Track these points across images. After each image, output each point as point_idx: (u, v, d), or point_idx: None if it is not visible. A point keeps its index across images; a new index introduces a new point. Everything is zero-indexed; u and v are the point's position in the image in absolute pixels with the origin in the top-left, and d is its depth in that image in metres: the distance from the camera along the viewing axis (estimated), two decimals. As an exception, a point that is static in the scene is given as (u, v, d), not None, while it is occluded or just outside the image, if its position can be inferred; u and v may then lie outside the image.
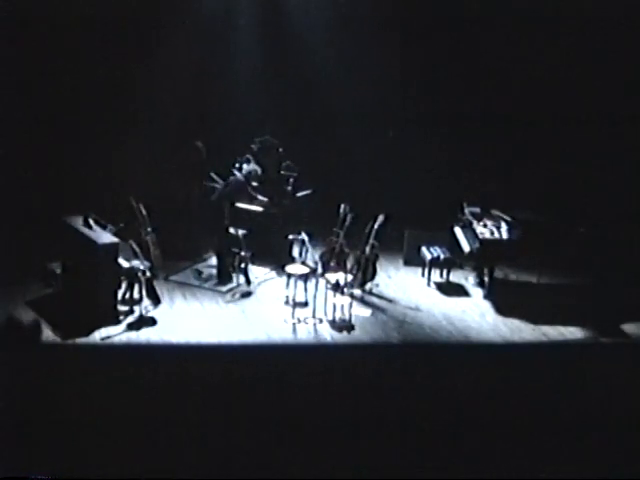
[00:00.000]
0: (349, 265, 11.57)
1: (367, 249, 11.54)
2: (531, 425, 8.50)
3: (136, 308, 10.65)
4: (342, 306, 10.71)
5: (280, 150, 12.68)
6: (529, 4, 12.96)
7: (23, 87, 12.57)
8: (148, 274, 10.76)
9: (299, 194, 12.59)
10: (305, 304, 11.04)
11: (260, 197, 12.28)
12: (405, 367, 9.59)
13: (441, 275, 12.22)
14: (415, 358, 9.93)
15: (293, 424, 8.31)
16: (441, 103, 13.57)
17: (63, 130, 12.87)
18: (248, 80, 13.54)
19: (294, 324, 10.61)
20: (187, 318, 10.64)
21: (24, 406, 8.36)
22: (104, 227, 10.78)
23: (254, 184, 12.31)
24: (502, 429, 8.35)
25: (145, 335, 10.14)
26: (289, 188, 12.51)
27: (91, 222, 10.68)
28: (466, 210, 12.15)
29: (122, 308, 10.63)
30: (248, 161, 12.42)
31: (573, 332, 10.76)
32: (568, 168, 13.09)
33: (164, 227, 11.92)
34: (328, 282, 11.32)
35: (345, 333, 10.49)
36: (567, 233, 11.50)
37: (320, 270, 11.51)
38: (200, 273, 11.94)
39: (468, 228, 11.90)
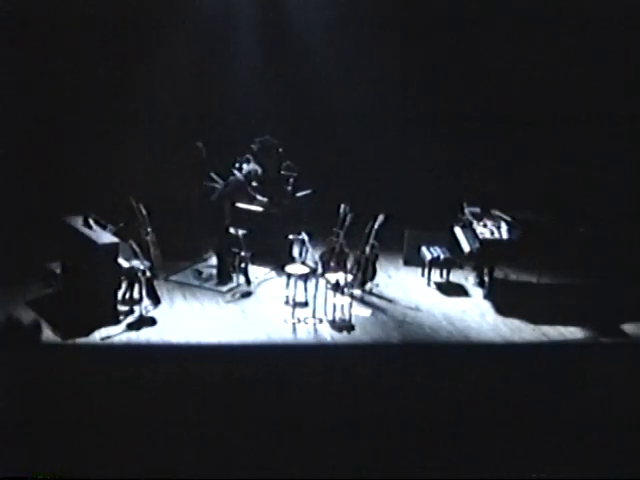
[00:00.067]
0: (349, 265, 11.57)
1: (367, 249, 11.54)
2: (531, 425, 8.50)
3: (136, 308, 10.64)
4: (342, 306, 10.71)
5: (280, 150, 12.68)
6: (529, 4, 12.97)
7: (23, 87, 12.57)
8: (148, 274, 10.76)
9: (299, 194, 12.59)
10: (305, 304, 11.04)
11: (260, 197, 12.28)
12: (405, 367, 9.59)
13: (441, 275, 12.22)
14: (415, 358, 9.93)
15: (293, 424, 8.31)
16: (441, 103, 13.57)
17: (63, 130, 12.88)
18: (248, 80, 13.54)
19: (294, 324, 10.61)
20: (187, 318, 10.64)
21: (24, 406, 8.36)
22: (104, 227, 10.78)
23: (254, 184, 12.31)
24: (502, 429, 8.35)
25: (145, 335, 10.14)
26: (289, 188, 12.51)
27: (91, 222, 10.67)
28: (466, 210, 12.15)
29: (122, 308, 10.63)
30: (248, 161, 12.42)
31: (573, 332, 10.76)
32: (568, 168, 13.09)
33: (164, 227, 11.92)
34: (328, 282, 11.32)
35: (345, 333, 10.49)
36: (567, 233, 11.49)
37: (320, 270, 11.51)
38: (200, 273, 11.94)
39: (468, 228, 11.90)
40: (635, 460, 7.97)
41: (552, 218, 11.63)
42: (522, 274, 12.26)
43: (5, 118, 12.04)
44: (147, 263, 10.92)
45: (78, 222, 10.71)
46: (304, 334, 10.45)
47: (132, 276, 10.75)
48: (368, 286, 11.70)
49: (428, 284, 12.10)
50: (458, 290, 11.97)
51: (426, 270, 12.13)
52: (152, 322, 10.44)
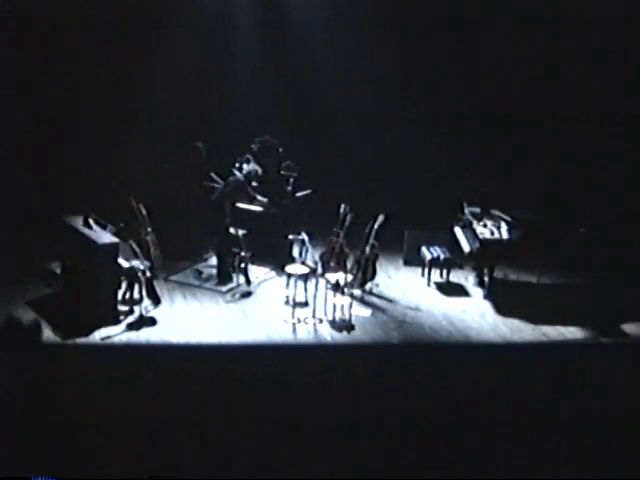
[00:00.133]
0: (349, 265, 11.57)
1: (367, 249, 11.54)
2: (531, 425, 8.49)
3: (136, 308, 10.64)
4: (342, 306, 10.71)
5: (280, 150, 12.68)
6: (529, 4, 12.97)
7: (23, 87, 12.57)
8: (148, 274, 10.76)
9: (299, 194, 12.59)
10: (305, 304, 11.04)
11: (260, 197, 12.27)
12: (405, 367, 9.59)
13: (441, 275, 12.22)
14: (415, 358, 9.92)
15: (293, 424, 8.31)
16: (441, 103, 13.57)
17: (63, 130, 12.88)
18: (248, 80, 13.54)
19: (294, 324, 10.62)
20: (187, 318, 10.64)
21: (24, 406, 8.36)
22: (104, 227, 10.78)
23: (254, 184, 12.31)
24: (502, 429, 8.34)
25: (145, 335, 10.14)
26: (289, 188, 12.51)
27: (91, 222, 10.68)
28: (466, 210, 12.15)
29: (122, 308, 10.63)
30: (248, 161, 12.42)
31: (573, 332, 10.76)
32: (568, 168, 13.09)
33: (164, 227, 11.92)
34: (328, 282, 11.32)
35: (345, 333, 10.49)
36: (567, 233, 11.49)
37: (320, 270, 11.51)
38: (200, 273, 11.94)
39: (468, 228, 11.91)
40: (635, 460, 7.96)
41: (552, 218, 11.63)
42: (522, 274, 12.26)
43: (5, 118, 12.04)
44: (147, 263, 10.92)
45: (78, 222, 10.71)
46: (304, 334, 10.45)
47: (132, 276, 10.75)
48: (368, 286, 11.70)
49: (428, 284, 12.10)
50: (458, 290, 11.97)
51: (426, 270, 12.13)
52: (152, 322, 10.44)
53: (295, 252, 12.18)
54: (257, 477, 7.69)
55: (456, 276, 12.26)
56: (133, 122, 13.10)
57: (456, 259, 12.14)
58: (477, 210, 12.06)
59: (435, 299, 11.67)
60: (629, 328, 10.92)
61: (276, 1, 13.45)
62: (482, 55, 13.30)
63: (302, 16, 13.40)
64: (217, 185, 12.24)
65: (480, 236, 11.44)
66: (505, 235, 11.46)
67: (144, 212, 11.58)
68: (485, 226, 11.64)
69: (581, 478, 7.74)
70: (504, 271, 12.21)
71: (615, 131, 12.99)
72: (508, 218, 11.61)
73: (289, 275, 11.06)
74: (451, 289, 11.98)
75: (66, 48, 12.60)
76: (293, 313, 10.71)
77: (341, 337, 10.40)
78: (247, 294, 11.43)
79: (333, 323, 10.65)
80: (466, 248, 11.75)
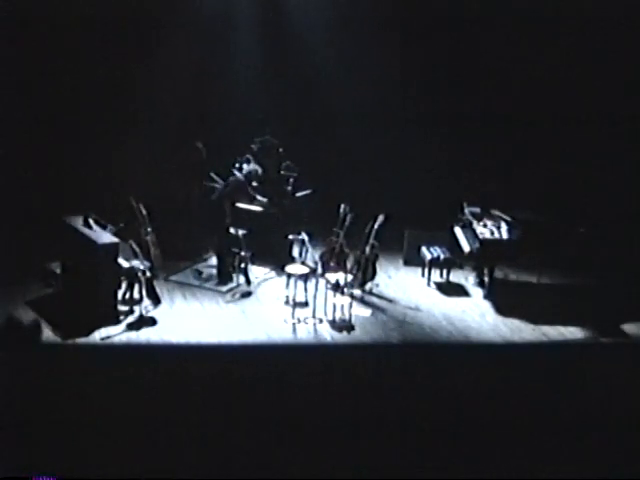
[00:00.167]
0: (349, 265, 11.57)
1: (367, 249, 11.54)
2: (531, 425, 8.49)
3: (136, 308, 10.65)
4: (342, 306, 10.71)
5: (280, 150, 12.68)
6: (529, 4, 12.97)
7: (23, 87, 12.57)
8: (148, 274, 10.76)
9: (299, 194, 12.59)
10: (305, 304, 11.04)
11: (260, 197, 12.27)
12: (405, 367, 9.59)
13: (441, 275, 12.22)
14: (415, 358, 9.92)
15: (293, 424, 8.31)
16: (441, 103, 13.57)
17: (63, 130, 12.88)
18: (248, 80, 13.54)
19: (294, 324, 10.61)
20: (187, 318, 10.64)
21: (24, 406, 8.36)
22: (104, 227, 10.78)
23: (254, 184, 12.31)
24: (502, 429, 8.34)
25: (145, 335, 10.14)
26: (289, 188, 12.51)
27: (91, 222, 10.67)
28: (466, 210, 12.15)
29: (122, 308, 10.63)
30: (248, 161, 12.42)
31: (573, 332, 10.76)
32: (568, 168, 13.09)
33: (164, 227, 11.92)
34: (328, 282, 11.32)
35: (345, 333, 10.49)
36: (567, 233, 11.49)
37: (320, 270, 11.51)
38: (200, 273, 11.94)
39: (468, 228, 11.91)
40: (635, 460, 7.96)
41: (552, 218, 11.63)
42: (522, 274, 12.26)
43: (5, 118, 12.04)
44: (147, 263, 10.92)
45: (78, 222, 10.71)
46: (304, 334, 10.45)
47: (132, 276, 10.75)
48: (368, 286, 11.70)
49: (428, 284, 12.10)
50: (458, 290, 11.97)
51: (426, 270, 12.13)
52: (152, 322, 10.43)
53: (295, 252, 12.18)
54: (257, 477, 7.70)
55: (456, 276, 12.26)
56: (133, 122, 13.10)
57: (456, 259, 12.14)
58: (477, 210, 12.06)
59: (435, 299, 11.67)
60: (629, 328, 10.92)
61: (276, 1, 13.45)
62: (482, 55, 13.30)
63: (302, 16, 13.40)
64: (217, 185, 12.24)
65: (480, 236, 11.44)
66: (505, 235, 11.46)
67: (144, 212, 11.58)
68: (485, 226, 11.64)
69: (581, 478, 7.74)
70: (504, 271, 12.21)
71: (615, 131, 12.99)
72: (508, 218, 11.61)
73: (289, 275, 11.06)
74: (451, 289, 11.98)
75: (66, 48, 12.60)
76: (293, 313, 10.71)
77: (341, 337, 10.40)
78: (247, 294, 11.43)
79: (333, 323, 10.65)
80: (466, 248, 11.75)
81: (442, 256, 12.04)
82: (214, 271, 11.90)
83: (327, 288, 11.20)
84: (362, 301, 11.39)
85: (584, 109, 12.95)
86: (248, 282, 11.61)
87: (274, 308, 11.01)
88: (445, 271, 12.17)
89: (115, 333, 10.12)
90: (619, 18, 12.71)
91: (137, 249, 10.86)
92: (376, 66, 13.56)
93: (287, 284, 11.09)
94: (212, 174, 12.43)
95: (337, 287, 11.11)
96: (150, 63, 13.09)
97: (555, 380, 9.38)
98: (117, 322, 10.34)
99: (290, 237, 11.73)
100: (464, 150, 13.52)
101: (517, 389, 9.20)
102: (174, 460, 7.76)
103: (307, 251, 11.60)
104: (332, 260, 11.70)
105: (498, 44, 13.11)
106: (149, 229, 11.65)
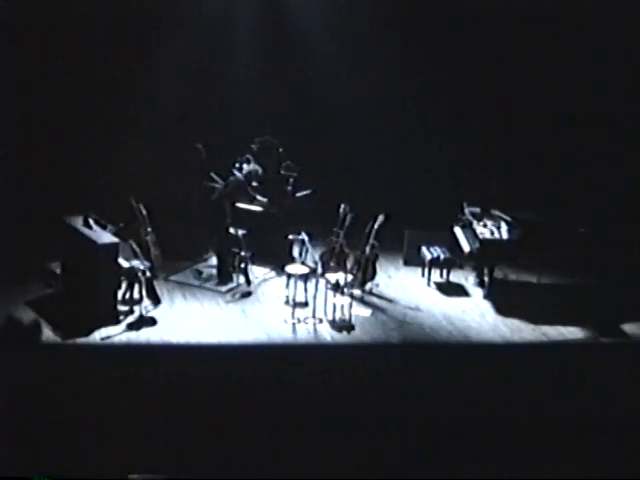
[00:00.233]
0: (349, 265, 11.57)
1: (367, 249, 11.54)
2: (531, 425, 8.50)
3: (136, 308, 10.65)
4: (342, 306, 10.71)
5: (280, 150, 12.68)
6: (529, 4, 12.97)
7: (23, 87, 12.57)
8: (148, 274, 10.76)
9: (299, 194, 12.59)
10: (305, 304, 11.04)
11: (260, 197, 12.28)
12: (405, 367, 9.59)
13: (441, 275, 12.22)
14: (415, 358, 9.92)
15: (293, 424, 8.31)
16: (441, 103, 13.57)
17: (63, 130, 12.88)
18: (248, 80, 13.54)
19: (294, 324, 10.61)
20: (187, 318, 10.64)
21: (24, 406, 8.36)
22: (104, 227, 10.78)
23: (254, 184, 12.31)
24: (502, 429, 8.35)
25: (145, 335, 10.14)
26: (289, 188, 12.51)
27: (91, 222, 10.68)
28: (466, 210, 12.15)
29: (122, 308, 10.63)
30: (248, 161, 12.42)
31: (573, 332, 10.76)
32: (568, 168, 13.09)
33: (164, 227, 11.92)
34: (328, 282, 11.32)
35: (345, 333, 10.49)
36: (567, 233, 11.50)
37: (320, 270, 11.51)
38: (200, 273, 11.94)
39: (468, 228, 11.91)
40: (635, 460, 7.97)
41: (552, 218, 11.63)
42: (522, 274, 12.26)
43: (5, 118, 12.04)
44: (147, 263, 10.92)
45: (78, 222, 10.71)
46: (304, 334, 10.45)
47: (132, 276, 10.75)
48: (368, 286, 11.70)
49: (428, 284, 12.10)
50: (458, 290, 11.97)
51: (426, 270, 12.13)
52: (152, 322, 10.44)
53: (295, 252, 12.18)
54: (257, 477, 7.70)
55: (456, 276, 12.26)
56: (133, 122, 13.09)
57: (456, 259, 12.14)
58: (477, 210, 12.06)
59: (435, 299, 11.67)
60: (629, 328, 10.92)
61: (276, 1, 13.45)
62: (482, 55, 13.30)
63: (302, 16, 13.40)
64: (217, 185, 12.24)
65: (480, 236, 11.44)
66: (505, 235, 11.46)
67: (144, 212, 11.58)
68: (485, 226, 11.64)
69: (581, 478, 7.74)
70: (504, 271, 12.21)
71: (615, 131, 12.99)
72: (508, 218, 11.61)
73: (289, 275, 11.05)
74: (451, 289, 11.97)
75: (66, 48, 12.59)
76: (293, 313, 10.71)
77: (341, 337, 10.40)
78: (247, 294, 11.43)
79: (333, 323, 10.65)
80: (466, 248, 11.75)
81: (442, 256, 12.04)
82: (214, 271, 11.90)
83: (327, 288, 11.19)
84: (362, 301, 11.39)
85: (584, 109, 12.95)
86: (248, 282, 11.61)
87: (274, 308, 11.01)
88: (445, 271, 12.16)
89: (115, 333, 10.12)
90: (619, 18, 12.71)
91: (137, 249, 10.86)
92: (376, 66, 13.55)
93: (287, 284, 11.09)
94: (212, 174, 12.43)
95: (337, 287, 11.11)
96: (150, 63, 13.09)
97: (555, 380, 9.38)
98: (117, 322, 10.34)
99: (290, 237, 11.72)
100: (464, 150, 13.51)
101: (517, 389, 9.21)
102: (174, 460, 7.76)
103: (307, 251, 11.60)
104: (332, 260, 11.70)
105: (498, 44, 13.09)
106: (149, 229, 11.65)
